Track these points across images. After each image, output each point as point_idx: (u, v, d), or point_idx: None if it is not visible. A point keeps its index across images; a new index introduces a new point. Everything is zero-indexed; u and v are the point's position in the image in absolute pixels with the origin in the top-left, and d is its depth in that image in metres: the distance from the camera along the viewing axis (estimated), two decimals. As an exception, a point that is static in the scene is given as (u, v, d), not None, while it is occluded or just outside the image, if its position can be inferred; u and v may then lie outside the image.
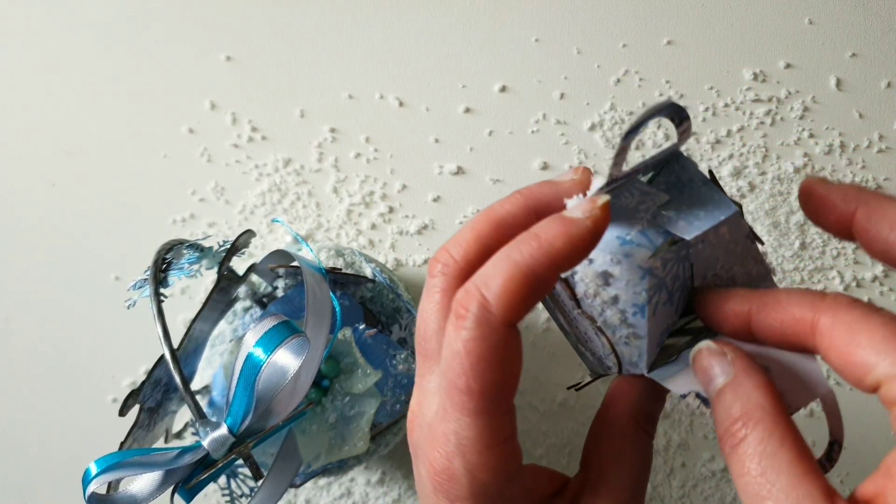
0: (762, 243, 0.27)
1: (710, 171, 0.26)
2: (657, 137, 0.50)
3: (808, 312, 0.22)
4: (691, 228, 0.25)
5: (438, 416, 0.23)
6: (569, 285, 0.26)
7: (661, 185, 0.26)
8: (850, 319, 0.21)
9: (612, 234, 0.25)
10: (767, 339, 0.23)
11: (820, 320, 0.22)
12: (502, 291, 0.22)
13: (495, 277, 0.22)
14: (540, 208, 0.26)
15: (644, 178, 0.26)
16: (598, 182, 0.25)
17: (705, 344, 0.24)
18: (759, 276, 0.26)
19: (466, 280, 0.24)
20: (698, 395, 0.25)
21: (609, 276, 0.25)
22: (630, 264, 0.24)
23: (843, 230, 0.24)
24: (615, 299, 0.25)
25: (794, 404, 0.24)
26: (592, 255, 0.24)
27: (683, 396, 0.25)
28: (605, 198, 0.23)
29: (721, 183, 0.52)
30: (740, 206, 0.25)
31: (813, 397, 0.24)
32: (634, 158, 0.52)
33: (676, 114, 0.24)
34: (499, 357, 0.22)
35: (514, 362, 0.23)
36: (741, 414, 0.21)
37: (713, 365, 0.23)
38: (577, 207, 0.23)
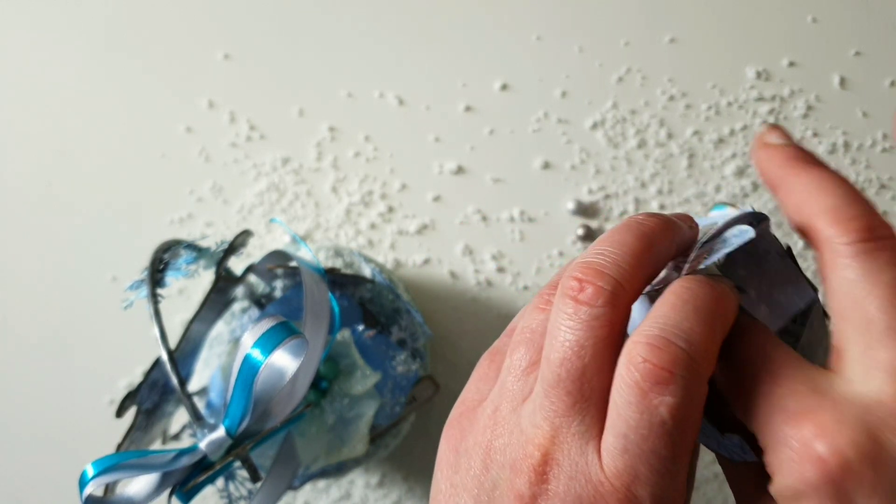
0: (828, 317, 0.24)
1: (788, 247, 0.24)
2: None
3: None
4: (774, 318, 0.23)
5: (621, 480, 0.21)
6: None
7: (738, 256, 0.24)
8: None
9: None
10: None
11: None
12: (708, 348, 0.20)
13: (695, 330, 0.20)
14: (681, 241, 0.24)
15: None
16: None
17: None
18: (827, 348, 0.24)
19: (628, 312, 0.22)
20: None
21: None
22: None
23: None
24: None
25: (790, 312, 0.23)
26: None
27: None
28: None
29: (725, 182, 0.51)
30: (816, 290, 0.24)
31: (803, 301, 0.23)
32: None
33: (755, 219, 0.23)
34: (701, 415, 0.21)
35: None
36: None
37: None
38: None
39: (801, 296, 0.23)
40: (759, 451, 0.21)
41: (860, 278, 0.20)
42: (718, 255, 0.22)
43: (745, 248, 0.23)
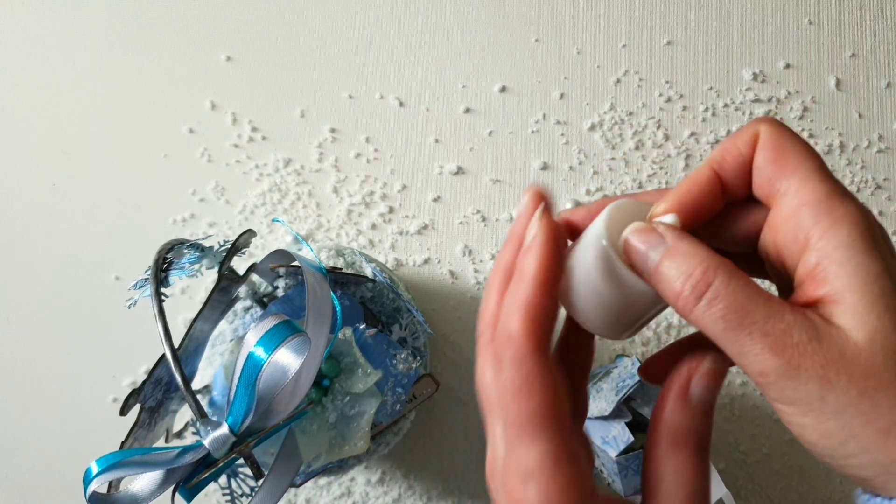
0: None
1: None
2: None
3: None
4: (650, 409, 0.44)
5: (506, 455, 0.25)
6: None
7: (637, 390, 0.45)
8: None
9: (597, 434, 0.45)
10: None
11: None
12: (519, 326, 0.26)
13: (510, 320, 0.26)
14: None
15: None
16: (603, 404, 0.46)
17: (631, 227, 0.24)
18: None
19: None
20: None
21: (598, 456, 0.45)
22: (605, 455, 0.43)
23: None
24: (604, 465, 0.43)
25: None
26: (595, 445, 0.43)
27: None
28: (539, 211, 0.27)
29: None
30: None
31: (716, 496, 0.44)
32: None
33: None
34: (536, 382, 0.25)
35: (553, 385, 0.25)
36: (702, 266, 0.23)
37: (649, 240, 0.24)
38: (528, 234, 0.27)
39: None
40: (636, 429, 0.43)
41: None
42: (623, 394, 0.45)
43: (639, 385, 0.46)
